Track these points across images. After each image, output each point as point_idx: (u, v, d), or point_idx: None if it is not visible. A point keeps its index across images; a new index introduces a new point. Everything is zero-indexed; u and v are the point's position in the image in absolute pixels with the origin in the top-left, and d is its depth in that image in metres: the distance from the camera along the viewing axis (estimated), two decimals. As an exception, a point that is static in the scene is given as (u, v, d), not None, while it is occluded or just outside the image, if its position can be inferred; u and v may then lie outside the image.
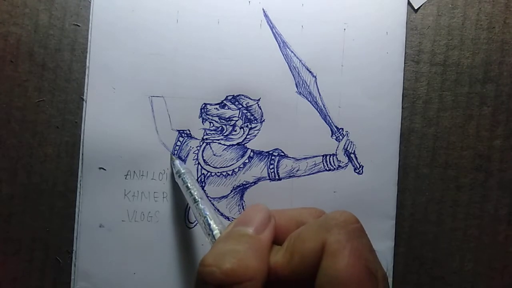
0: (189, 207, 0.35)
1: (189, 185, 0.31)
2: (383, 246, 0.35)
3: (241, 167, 0.35)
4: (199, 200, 0.30)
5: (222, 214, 0.35)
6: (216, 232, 0.27)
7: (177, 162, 0.34)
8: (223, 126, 0.35)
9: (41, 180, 0.34)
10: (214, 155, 0.35)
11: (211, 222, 0.28)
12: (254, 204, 0.26)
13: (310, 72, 0.35)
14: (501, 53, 0.35)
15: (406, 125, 0.35)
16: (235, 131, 0.35)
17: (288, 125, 0.35)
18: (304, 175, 0.35)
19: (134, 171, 0.34)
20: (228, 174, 0.35)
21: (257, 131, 0.35)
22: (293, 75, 0.35)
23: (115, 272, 0.34)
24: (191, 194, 0.31)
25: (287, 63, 0.35)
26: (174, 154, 0.35)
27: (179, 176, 0.33)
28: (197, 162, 0.35)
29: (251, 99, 0.35)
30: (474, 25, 0.36)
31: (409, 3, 0.36)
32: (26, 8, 0.34)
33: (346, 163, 0.35)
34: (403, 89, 0.35)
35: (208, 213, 0.28)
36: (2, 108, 0.34)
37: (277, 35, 0.35)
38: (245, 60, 0.35)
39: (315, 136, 0.35)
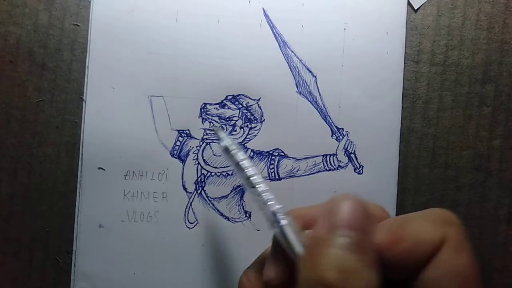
0: (189, 207, 0.35)
1: (245, 163, 0.26)
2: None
3: (241, 167, 0.35)
4: (261, 183, 0.25)
5: (222, 214, 0.35)
6: (284, 222, 0.23)
7: (224, 135, 0.29)
8: (223, 126, 0.35)
9: (41, 180, 0.34)
10: (214, 155, 0.35)
11: (278, 213, 0.24)
12: (343, 199, 0.22)
13: (310, 72, 0.35)
14: (501, 53, 0.35)
15: (406, 125, 0.35)
16: (235, 131, 0.35)
17: (288, 125, 0.35)
18: (304, 175, 0.35)
19: (134, 171, 0.34)
20: (228, 174, 0.35)
21: (257, 131, 0.35)
22: (293, 75, 0.35)
23: (115, 272, 0.34)
24: (247, 177, 0.26)
25: (287, 63, 0.35)
26: (174, 155, 0.34)
27: (228, 153, 0.28)
28: (197, 162, 0.35)
29: (251, 99, 0.35)
30: (474, 25, 0.36)
31: (409, 3, 0.36)
32: (26, 8, 0.34)
33: (346, 163, 0.35)
34: (403, 89, 0.35)
35: (272, 198, 0.24)
36: (2, 108, 0.34)
37: (277, 34, 0.35)
38: (245, 60, 0.35)
39: (315, 136, 0.35)
